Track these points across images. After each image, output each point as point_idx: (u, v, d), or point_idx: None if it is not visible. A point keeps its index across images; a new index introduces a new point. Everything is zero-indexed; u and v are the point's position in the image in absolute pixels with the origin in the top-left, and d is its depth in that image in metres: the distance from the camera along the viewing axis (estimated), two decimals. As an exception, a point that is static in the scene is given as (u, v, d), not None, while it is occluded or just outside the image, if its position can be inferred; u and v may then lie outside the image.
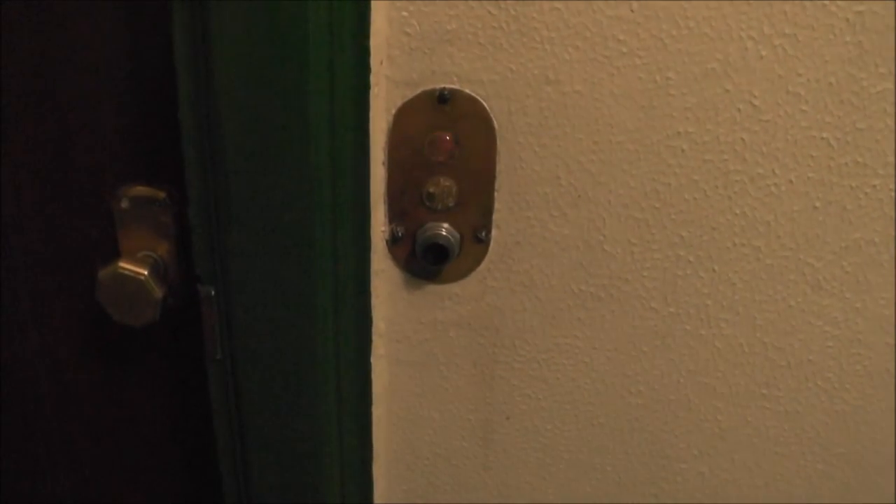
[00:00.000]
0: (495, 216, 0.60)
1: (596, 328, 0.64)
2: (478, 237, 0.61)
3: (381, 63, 0.55)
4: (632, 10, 0.52)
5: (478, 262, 0.62)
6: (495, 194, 0.60)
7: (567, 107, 0.56)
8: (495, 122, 0.57)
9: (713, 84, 0.54)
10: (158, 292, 0.65)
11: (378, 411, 0.69)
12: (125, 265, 0.64)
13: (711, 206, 0.58)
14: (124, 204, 0.64)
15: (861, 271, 0.61)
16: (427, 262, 0.61)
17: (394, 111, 0.57)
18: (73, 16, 0.60)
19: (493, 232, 0.61)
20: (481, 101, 0.56)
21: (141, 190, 0.64)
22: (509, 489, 0.73)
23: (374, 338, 0.64)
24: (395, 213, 0.61)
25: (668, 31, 0.53)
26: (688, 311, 0.63)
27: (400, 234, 0.62)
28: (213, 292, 0.62)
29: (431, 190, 0.60)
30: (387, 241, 0.62)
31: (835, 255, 0.60)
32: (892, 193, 0.58)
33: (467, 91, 0.56)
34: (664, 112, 0.55)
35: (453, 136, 0.58)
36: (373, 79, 0.54)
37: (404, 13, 0.54)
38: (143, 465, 0.81)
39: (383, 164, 0.59)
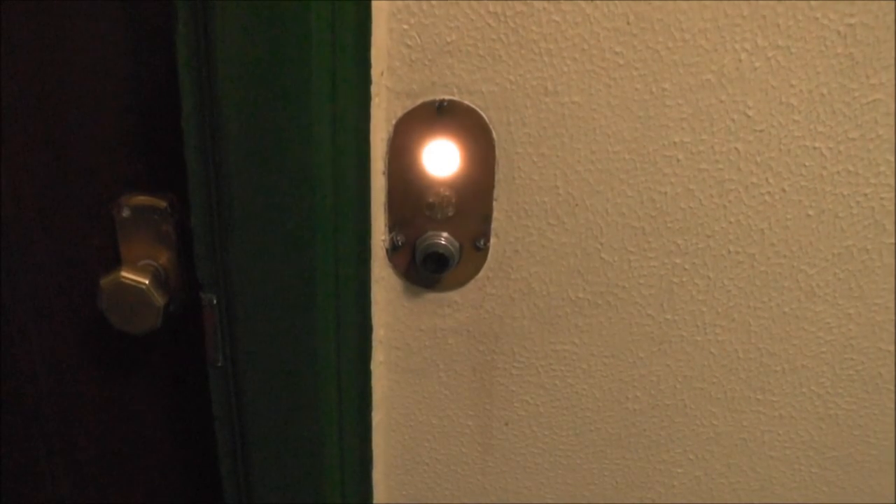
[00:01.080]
0: (494, 225, 0.61)
1: (593, 335, 0.65)
2: (477, 246, 0.62)
3: (382, 74, 0.56)
4: (628, 23, 0.53)
5: (477, 270, 0.63)
6: (494, 203, 0.60)
7: (565, 117, 0.56)
8: (494, 133, 0.57)
9: (708, 95, 0.55)
10: (160, 300, 0.66)
11: (377, 417, 0.69)
12: (127, 274, 0.65)
13: (707, 214, 0.59)
14: (125, 213, 0.65)
15: (854, 278, 0.62)
16: (427, 271, 0.61)
17: (394, 121, 0.58)
18: (73, 21, 0.61)
19: (492, 240, 0.62)
20: (480, 111, 0.57)
21: (142, 199, 0.65)
22: (507, 494, 0.74)
23: (374, 345, 0.65)
24: (395, 221, 0.62)
25: (664, 43, 0.53)
26: (684, 318, 0.64)
27: (400, 243, 0.62)
28: (214, 300, 0.62)
29: (431, 199, 0.60)
30: (387, 250, 0.63)
31: (828, 262, 0.61)
32: (884, 201, 0.58)
33: (466, 102, 0.57)
34: (660, 122, 0.56)
35: (452, 146, 0.58)
36: (373, 89, 0.55)
37: (405, 25, 0.54)
38: (143, 469, 0.81)
39: (383, 173, 0.60)
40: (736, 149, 0.57)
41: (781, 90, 0.55)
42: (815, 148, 0.56)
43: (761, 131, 0.56)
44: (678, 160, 0.57)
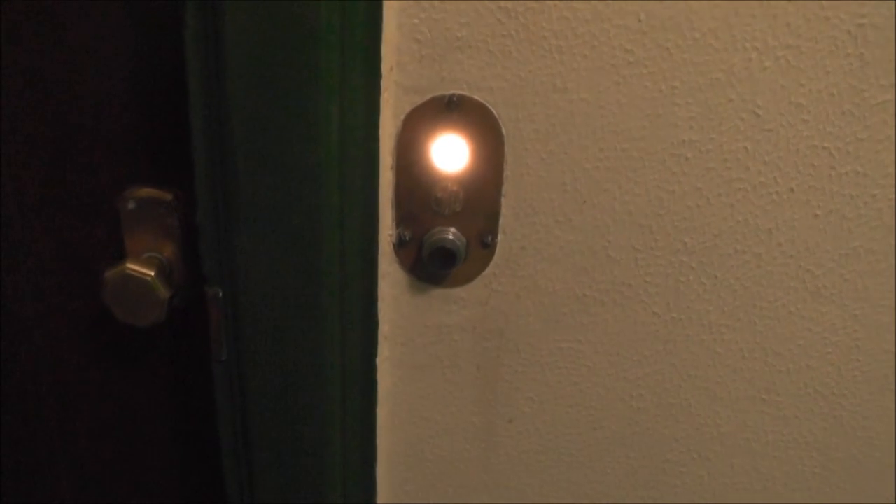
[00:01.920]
0: (502, 221, 0.62)
1: (599, 333, 0.65)
2: (484, 242, 0.62)
3: (391, 69, 0.56)
4: (639, 21, 0.53)
5: (483, 266, 0.63)
6: (502, 200, 0.61)
7: (574, 114, 0.57)
8: (503, 129, 0.58)
9: (718, 94, 0.55)
10: (165, 293, 0.66)
11: (381, 413, 0.70)
12: (132, 266, 0.65)
13: (714, 213, 0.60)
14: (131, 205, 0.65)
15: (860, 279, 0.62)
16: (434, 267, 0.62)
17: (403, 117, 0.58)
18: (77, 16, 0.61)
19: (499, 237, 0.62)
20: (490, 107, 0.57)
21: (148, 192, 0.65)
22: (510, 492, 0.74)
23: (379, 340, 0.65)
24: (403, 216, 0.62)
25: (675, 42, 0.54)
26: (689, 317, 0.64)
27: (407, 238, 0.63)
28: (220, 293, 0.63)
29: (439, 194, 0.61)
30: (393, 245, 0.63)
31: (834, 262, 0.61)
32: (892, 202, 0.59)
33: (476, 98, 0.57)
34: (669, 121, 0.56)
35: (461, 141, 0.59)
36: (383, 84, 0.55)
37: (415, 20, 0.55)
38: (144, 466, 0.82)
39: (391, 168, 0.60)
40: (745, 148, 0.57)
41: (791, 90, 0.55)
42: (823, 148, 0.57)
43: (770, 131, 0.56)
44: (686, 158, 0.58)
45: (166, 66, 0.63)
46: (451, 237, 0.61)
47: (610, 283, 0.63)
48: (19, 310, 0.73)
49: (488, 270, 0.64)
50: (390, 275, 0.64)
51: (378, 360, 0.66)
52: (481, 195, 0.61)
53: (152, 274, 0.65)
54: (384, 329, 0.66)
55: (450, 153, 0.59)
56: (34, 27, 0.61)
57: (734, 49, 0.54)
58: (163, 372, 0.76)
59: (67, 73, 0.63)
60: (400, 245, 0.63)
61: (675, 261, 0.62)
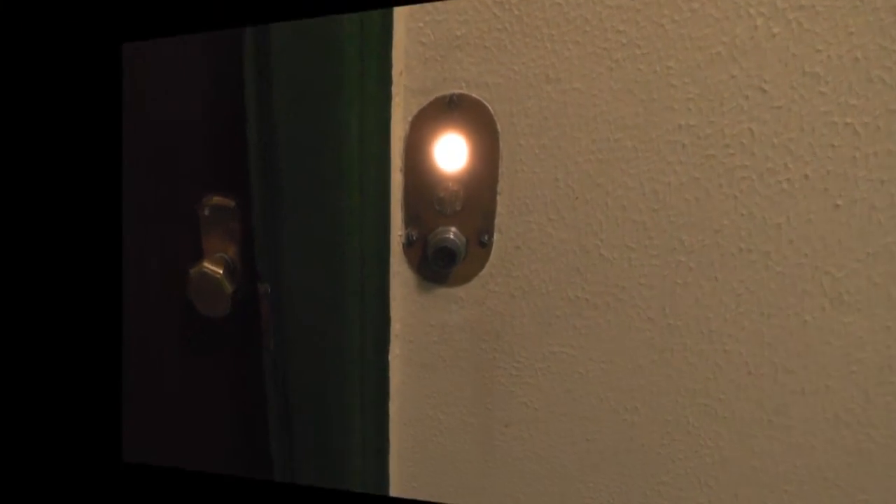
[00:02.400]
0: (497, 220, 0.31)
1: (591, 338, 0.31)
2: (481, 241, 0.32)
3: (401, 73, 0.30)
4: (632, -2, 0.25)
5: (481, 266, 0.32)
6: (497, 198, 0.31)
7: (566, 105, 0.27)
8: (498, 125, 0.29)
9: (718, 70, 0.25)
10: (230, 288, 0.37)
11: (391, 408, 0.35)
12: (207, 265, 0.37)
13: (714, 206, 0.27)
14: (206, 212, 0.38)
15: (892, 282, 0.26)
16: (436, 265, 0.31)
17: (410, 119, 0.30)
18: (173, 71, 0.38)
19: (496, 236, 0.31)
20: (486, 104, 0.29)
21: (217, 199, 0.38)
22: (506, 498, 0.36)
23: (391, 338, 0.33)
24: (410, 217, 0.33)
25: (670, 16, 0.25)
26: (687, 324, 0.29)
27: (414, 238, 0.33)
28: (269, 289, 0.33)
29: (441, 194, 0.31)
30: (403, 245, 0.33)
31: (860, 263, 0.26)
32: (929, 193, 0.25)
33: (474, 95, 0.29)
34: (664, 105, 0.26)
35: (461, 140, 0.30)
36: (393, 89, 0.29)
37: (420, 24, 0.29)
38: (207, 432, 0.47)
39: (400, 170, 0.31)
40: (749, 130, 0.25)
41: (804, 58, 0.24)
42: (846, 125, 0.24)
43: (779, 108, 0.25)
44: (683, 146, 0.26)
45: (229, 90, 0.37)
46: (451, 237, 0.31)
47: (602, 284, 0.30)
48: (141, 305, 0.45)
49: (485, 270, 0.32)
50: (400, 274, 0.34)
51: (389, 357, 0.33)
52: (479, 193, 0.31)
53: (221, 272, 0.37)
54: (395, 327, 0.34)
55: (451, 152, 0.31)
56: (152, 77, 0.38)
57: (736, 17, 0.24)
58: (228, 357, 0.44)
59: (171, 110, 0.38)
60: (409, 245, 0.33)
61: (672, 261, 0.28)
